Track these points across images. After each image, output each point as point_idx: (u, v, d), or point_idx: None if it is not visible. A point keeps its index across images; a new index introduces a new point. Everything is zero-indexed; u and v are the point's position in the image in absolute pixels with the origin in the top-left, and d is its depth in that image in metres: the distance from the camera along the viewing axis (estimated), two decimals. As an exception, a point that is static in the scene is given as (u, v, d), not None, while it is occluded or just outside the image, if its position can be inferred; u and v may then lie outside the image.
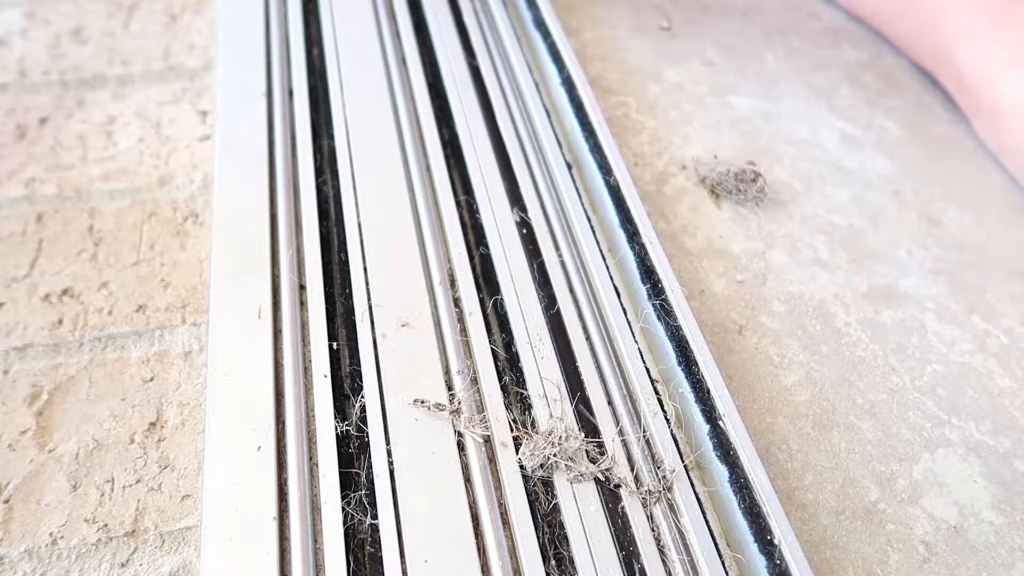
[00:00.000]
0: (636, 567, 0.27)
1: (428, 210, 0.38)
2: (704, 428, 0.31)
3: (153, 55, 0.47)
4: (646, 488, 0.29)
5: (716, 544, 0.28)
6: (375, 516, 0.28)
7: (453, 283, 0.36)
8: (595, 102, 0.44)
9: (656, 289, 0.35)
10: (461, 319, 0.35)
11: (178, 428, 0.31)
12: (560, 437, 0.30)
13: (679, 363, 0.33)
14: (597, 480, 0.29)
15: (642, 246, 0.37)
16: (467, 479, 0.29)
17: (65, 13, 0.50)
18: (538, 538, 0.28)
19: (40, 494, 0.29)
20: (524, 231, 0.38)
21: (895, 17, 0.53)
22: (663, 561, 0.28)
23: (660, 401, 0.32)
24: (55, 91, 0.45)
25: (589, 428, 0.31)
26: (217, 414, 0.30)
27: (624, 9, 0.56)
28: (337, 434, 0.30)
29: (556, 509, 0.29)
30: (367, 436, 0.30)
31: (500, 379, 0.32)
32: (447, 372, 0.32)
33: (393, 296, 0.35)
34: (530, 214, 0.39)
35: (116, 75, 0.46)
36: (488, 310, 0.35)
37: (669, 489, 0.29)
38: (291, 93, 0.44)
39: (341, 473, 0.29)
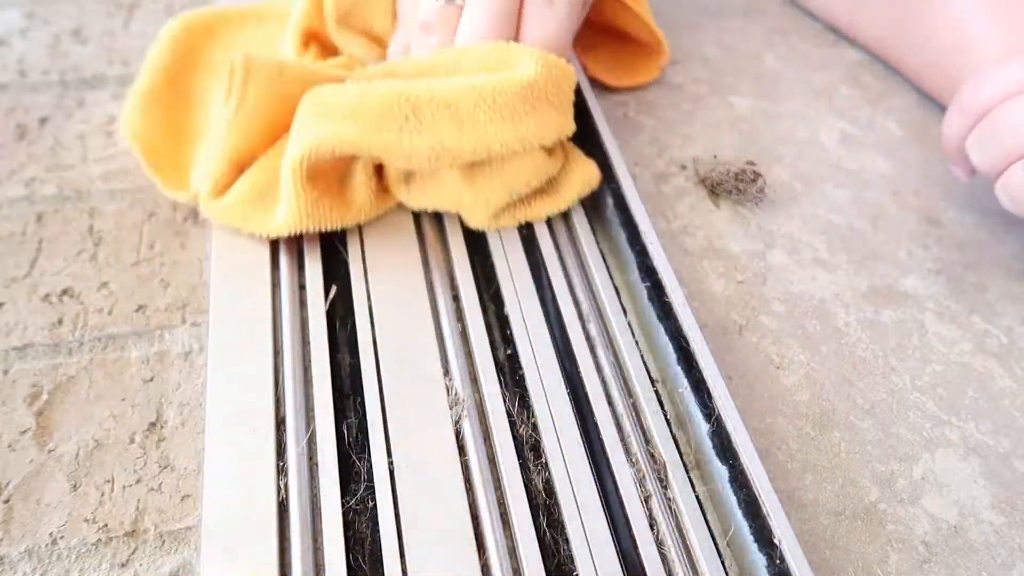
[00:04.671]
0: (636, 567, 0.27)
1: (428, 210, 0.38)
2: (704, 428, 0.31)
3: (153, 55, 0.47)
4: (646, 488, 0.29)
5: (716, 544, 0.28)
6: (375, 516, 0.28)
7: (453, 282, 0.36)
8: (595, 102, 0.44)
9: (656, 289, 0.35)
10: (461, 318, 0.35)
11: (178, 428, 0.31)
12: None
13: (679, 363, 0.33)
14: (597, 479, 0.29)
15: (642, 246, 0.37)
16: (467, 479, 0.29)
17: (65, 13, 0.50)
18: (538, 538, 0.28)
19: (40, 494, 0.29)
20: (524, 231, 0.38)
21: (909, 50, 0.50)
22: (663, 561, 0.28)
23: (660, 401, 0.32)
24: (55, 91, 0.45)
25: (588, 428, 0.31)
26: (217, 414, 0.30)
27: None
28: (337, 434, 0.30)
29: (556, 508, 0.29)
30: (367, 436, 0.30)
31: (500, 379, 0.32)
32: (447, 372, 0.32)
33: (393, 295, 0.35)
34: (530, 214, 0.39)
35: (116, 75, 0.46)
36: (488, 310, 0.35)
37: (668, 489, 0.29)
38: (291, 93, 0.44)
39: (341, 473, 0.29)
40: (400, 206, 0.38)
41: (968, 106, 0.39)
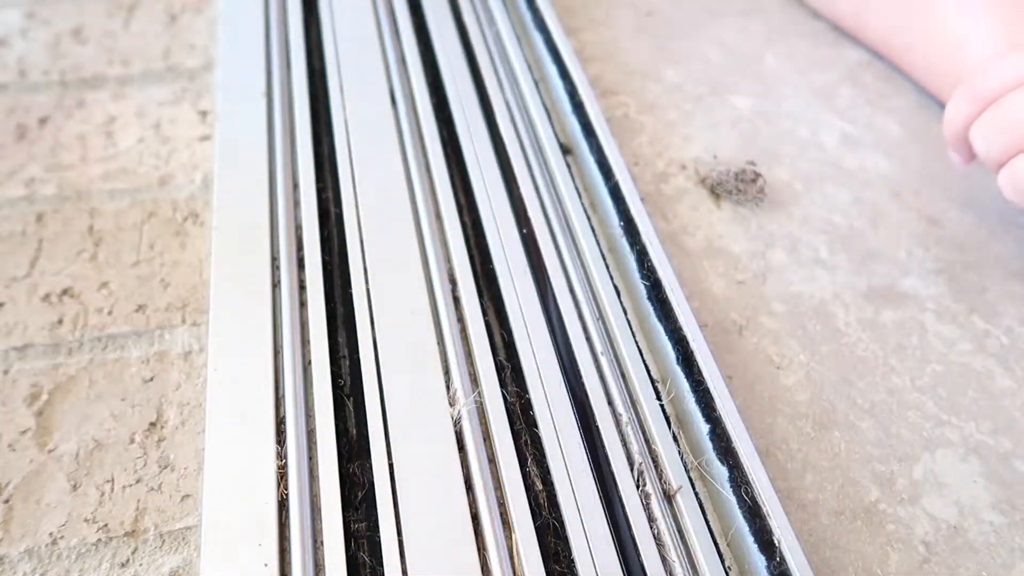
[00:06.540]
0: (636, 567, 0.27)
1: (428, 210, 0.38)
2: (704, 428, 0.31)
3: (153, 55, 0.47)
4: (646, 488, 0.29)
5: (716, 544, 0.28)
6: (375, 516, 0.28)
7: (453, 283, 0.36)
8: (595, 102, 0.44)
9: (656, 289, 0.35)
10: (461, 319, 0.35)
11: (178, 428, 0.31)
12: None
13: (679, 363, 0.33)
14: (597, 480, 0.29)
15: (642, 246, 0.37)
16: (467, 479, 0.29)
17: (65, 13, 0.50)
18: (538, 538, 0.28)
19: (40, 494, 0.29)
20: (524, 231, 0.38)
21: (912, 48, 0.50)
22: (663, 561, 0.28)
23: (660, 401, 0.32)
24: (55, 91, 0.45)
25: (588, 427, 0.31)
26: (217, 414, 0.30)
27: (624, 9, 0.56)
28: (337, 434, 0.30)
29: (556, 508, 0.29)
30: (367, 436, 0.30)
31: (500, 379, 0.32)
32: (447, 372, 0.32)
33: (393, 296, 0.35)
34: (529, 213, 0.39)
35: (116, 75, 0.46)
36: (488, 310, 0.35)
37: (668, 489, 0.29)
38: (291, 93, 0.44)
39: (341, 473, 0.29)
40: None
41: (975, 93, 0.38)
